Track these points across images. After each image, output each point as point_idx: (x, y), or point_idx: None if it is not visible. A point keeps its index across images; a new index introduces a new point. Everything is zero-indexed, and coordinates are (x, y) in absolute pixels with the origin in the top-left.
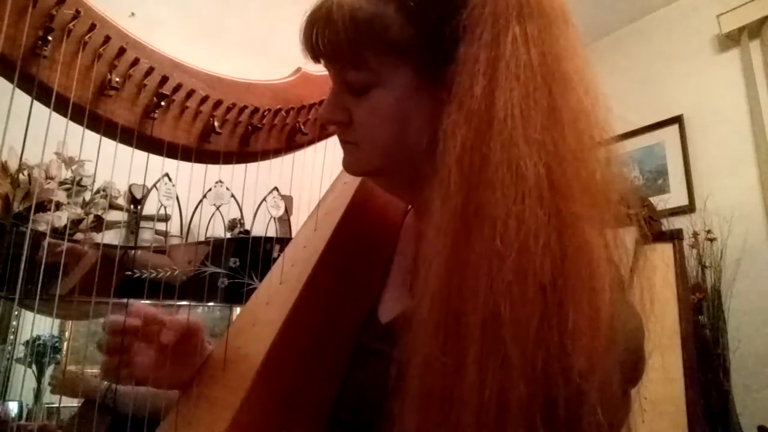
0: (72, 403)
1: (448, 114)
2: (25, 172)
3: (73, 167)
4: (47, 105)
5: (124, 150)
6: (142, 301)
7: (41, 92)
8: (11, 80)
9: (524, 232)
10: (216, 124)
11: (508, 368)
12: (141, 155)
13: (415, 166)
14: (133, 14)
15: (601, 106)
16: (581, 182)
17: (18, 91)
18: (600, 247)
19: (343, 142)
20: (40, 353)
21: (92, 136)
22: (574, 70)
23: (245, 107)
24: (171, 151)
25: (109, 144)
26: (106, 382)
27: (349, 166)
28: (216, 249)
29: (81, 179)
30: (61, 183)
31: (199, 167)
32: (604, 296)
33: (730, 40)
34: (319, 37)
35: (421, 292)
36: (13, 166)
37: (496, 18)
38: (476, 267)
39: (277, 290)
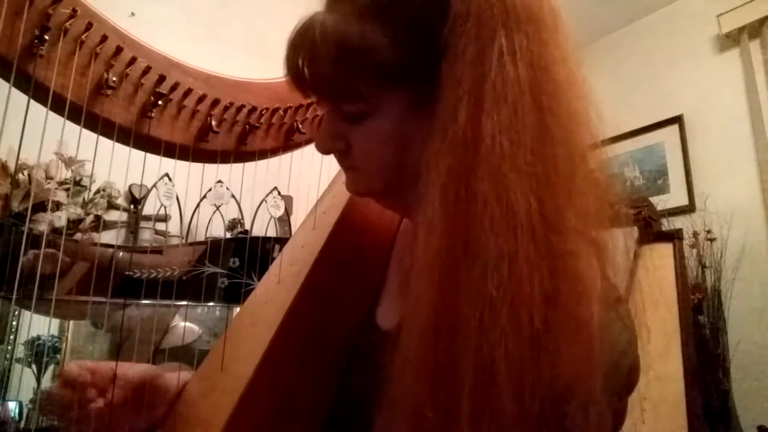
0: None
1: (432, 142)
2: (25, 172)
3: (73, 167)
4: (44, 104)
5: (125, 150)
6: (142, 302)
7: (38, 91)
8: (8, 79)
9: (517, 275)
10: (213, 123)
11: (504, 420)
12: (142, 155)
13: (417, 188)
14: (133, 14)
15: (593, 113)
16: (574, 208)
17: (16, 90)
18: (593, 276)
19: (344, 167)
20: (39, 353)
21: (92, 136)
22: (564, 77)
23: (243, 106)
24: (168, 150)
25: (109, 144)
26: None
27: (352, 188)
28: (214, 249)
29: (81, 179)
30: (61, 183)
31: (200, 167)
32: (596, 330)
33: (730, 40)
34: (306, 70)
35: (407, 338)
36: (13, 166)
37: (481, 30)
38: (467, 314)
39: (276, 289)
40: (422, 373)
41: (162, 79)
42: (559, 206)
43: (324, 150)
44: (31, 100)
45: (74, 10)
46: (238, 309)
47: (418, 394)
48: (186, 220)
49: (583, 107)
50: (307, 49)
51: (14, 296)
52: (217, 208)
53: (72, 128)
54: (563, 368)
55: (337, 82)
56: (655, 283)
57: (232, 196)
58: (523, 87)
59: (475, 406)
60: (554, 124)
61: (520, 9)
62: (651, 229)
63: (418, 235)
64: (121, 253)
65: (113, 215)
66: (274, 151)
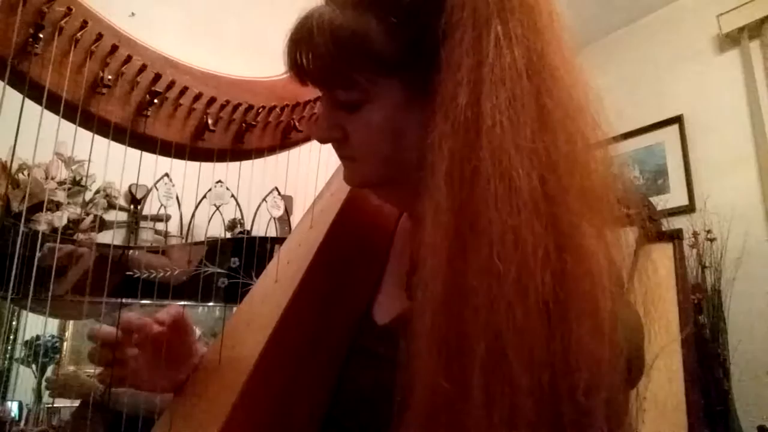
0: (74, 404)
1: (435, 125)
2: (26, 172)
3: (73, 167)
4: (39, 103)
5: (125, 150)
6: (140, 302)
7: (33, 90)
8: (2, 78)
9: (522, 248)
10: (209, 121)
11: (515, 390)
12: (144, 156)
13: (415, 178)
14: (133, 14)
15: (592, 100)
16: (577, 188)
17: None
18: (600, 254)
19: (341, 157)
20: (39, 353)
21: (91, 136)
22: (561, 64)
23: (239, 104)
24: (165, 148)
25: (110, 144)
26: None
27: (349, 179)
28: (214, 249)
29: (81, 179)
30: (61, 183)
31: (201, 167)
32: (606, 305)
33: (730, 40)
34: (303, 59)
35: (420, 314)
36: (13, 166)
37: (477, 19)
38: (475, 287)
39: (273, 288)
40: (436, 347)
41: (158, 77)
42: (562, 184)
43: (321, 139)
44: (26, 99)
45: (69, 9)
46: None
47: (434, 367)
48: (186, 220)
49: (582, 93)
50: (304, 39)
51: (10, 296)
52: (217, 208)
53: (71, 128)
54: (573, 340)
55: (332, 70)
56: (655, 283)
57: (232, 196)
58: (519, 71)
59: (487, 376)
60: (553, 106)
61: None
62: (651, 229)
63: (425, 218)
64: (123, 252)
65: (113, 215)
66: (271, 150)
